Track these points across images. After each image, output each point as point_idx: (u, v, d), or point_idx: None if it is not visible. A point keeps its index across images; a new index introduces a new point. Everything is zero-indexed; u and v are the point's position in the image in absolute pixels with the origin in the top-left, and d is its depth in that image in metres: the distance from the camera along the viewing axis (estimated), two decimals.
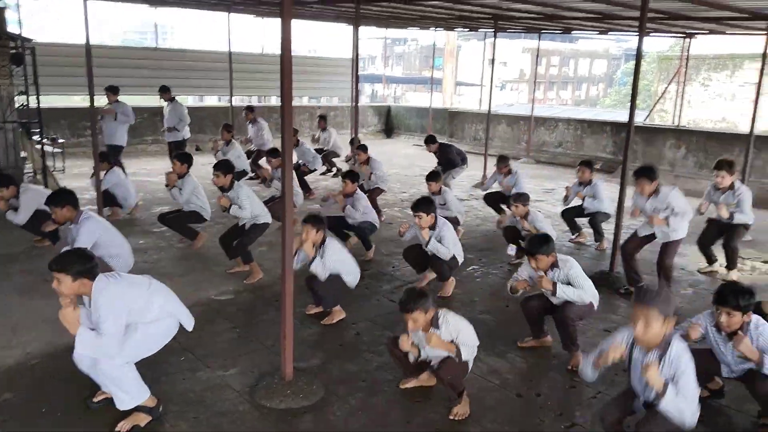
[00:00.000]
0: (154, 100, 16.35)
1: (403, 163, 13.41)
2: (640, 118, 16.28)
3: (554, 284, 4.11)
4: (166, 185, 6.75)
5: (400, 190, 10.40)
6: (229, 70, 12.36)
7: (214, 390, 3.82)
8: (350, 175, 6.85)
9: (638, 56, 5.99)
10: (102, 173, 7.41)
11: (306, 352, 4.30)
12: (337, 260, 4.90)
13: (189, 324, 3.66)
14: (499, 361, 4.34)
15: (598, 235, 7.24)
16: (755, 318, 3.38)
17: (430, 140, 9.70)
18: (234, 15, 13.14)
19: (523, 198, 6.37)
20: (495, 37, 11.31)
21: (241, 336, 4.62)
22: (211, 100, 19.28)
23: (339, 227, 6.75)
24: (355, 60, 9.23)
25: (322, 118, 11.95)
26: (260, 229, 6.03)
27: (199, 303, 5.20)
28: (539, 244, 4.10)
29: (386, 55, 26.28)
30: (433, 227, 5.42)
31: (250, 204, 5.90)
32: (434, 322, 3.57)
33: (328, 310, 5.00)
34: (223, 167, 5.98)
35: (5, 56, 7.91)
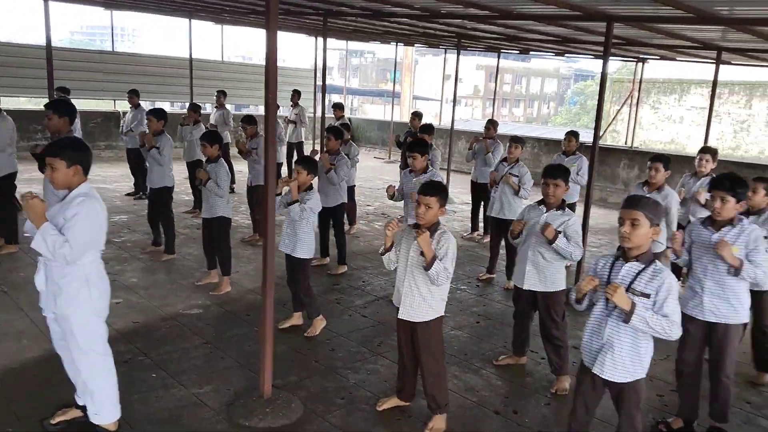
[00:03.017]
0: (107, 105, 15.92)
1: (365, 176, 13.43)
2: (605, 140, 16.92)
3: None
4: (142, 145, 6.65)
5: (364, 203, 10.41)
6: (190, 77, 12.15)
7: (189, 408, 3.72)
8: (333, 131, 6.44)
9: (603, 79, 6.23)
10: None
11: (282, 369, 4.23)
12: (312, 209, 4.80)
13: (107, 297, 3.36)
14: (474, 377, 4.39)
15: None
16: (746, 220, 3.59)
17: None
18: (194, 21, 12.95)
19: (520, 140, 6.75)
20: (458, 55, 11.52)
21: (214, 352, 4.52)
22: (165, 106, 18.85)
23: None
24: (324, 70, 9.23)
25: (296, 93, 12.11)
26: (224, 223, 5.77)
27: (167, 317, 5.07)
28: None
29: (345, 66, 26.29)
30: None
31: (225, 185, 5.66)
32: (432, 228, 3.43)
33: (309, 321, 4.98)
34: (210, 137, 5.72)
35: None
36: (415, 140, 5.88)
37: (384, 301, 5.78)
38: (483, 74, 61.81)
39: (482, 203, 8.33)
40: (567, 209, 4.23)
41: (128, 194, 9.80)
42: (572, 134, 7.62)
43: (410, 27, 10.33)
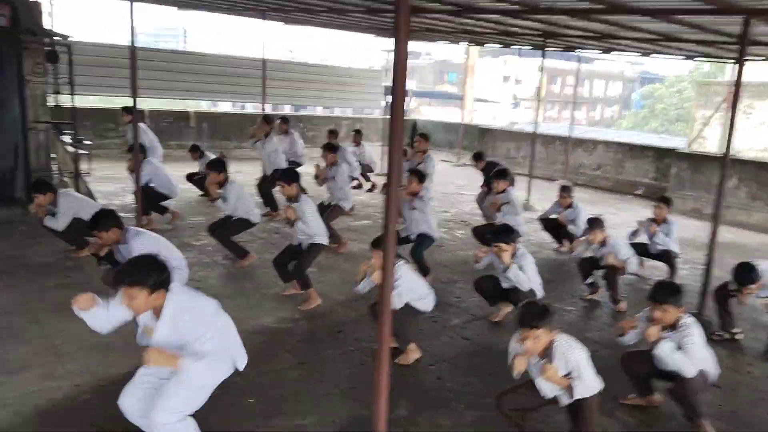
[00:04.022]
0: (180, 104, 16.05)
1: (437, 180, 12.94)
2: (682, 145, 15.86)
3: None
4: (209, 198, 6.37)
5: (441, 209, 9.93)
6: (263, 77, 11.96)
7: None
8: (416, 174, 6.33)
9: (737, 86, 5.60)
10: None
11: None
12: (409, 287, 4.38)
13: (242, 363, 3.13)
14: (606, 419, 3.84)
15: (673, 270, 6.72)
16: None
17: (478, 157, 9.27)
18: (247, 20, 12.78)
19: (598, 223, 5.90)
20: (543, 55, 10.90)
21: (311, 375, 4.14)
22: (226, 106, 18.89)
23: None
24: (403, 72, 8.76)
25: (358, 133, 11.62)
26: (318, 250, 5.56)
27: (256, 331, 4.73)
28: (670, 291, 3.60)
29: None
30: (513, 256, 4.95)
31: (315, 221, 5.42)
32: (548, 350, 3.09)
33: (402, 349, 4.52)
34: (288, 176, 5.46)
35: (40, 54, 7.51)
36: (498, 229, 5.25)
37: (483, 321, 5.29)
38: (545, 76, 60.32)
39: None
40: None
41: (203, 195, 9.64)
42: (664, 201, 6.84)
43: (491, 25, 9.76)
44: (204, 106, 24.01)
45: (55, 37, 7.36)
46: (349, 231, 7.91)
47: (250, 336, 4.67)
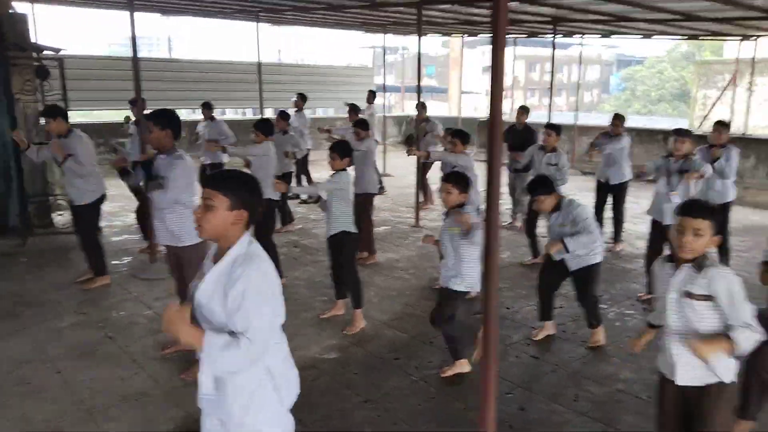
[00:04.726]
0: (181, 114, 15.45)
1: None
2: (686, 125, 15.57)
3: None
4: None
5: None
6: (259, 82, 11.43)
7: None
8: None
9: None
10: None
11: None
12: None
13: (291, 398, 2.38)
14: None
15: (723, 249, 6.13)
16: None
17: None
18: (230, 23, 12.25)
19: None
20: (554, 42, 10.50)
21: (381, 415, 3.67)
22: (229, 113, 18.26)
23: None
24: (419, 69, 8.33)
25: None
26: (355, 242, 5.06)
27: (306, 365, 4.24)
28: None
29: (378, 64, 25.32)
30: (558, 208, 4.46)
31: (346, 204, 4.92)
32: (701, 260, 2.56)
33: (459, 356, 4.17)
34: (341, 149, 4.90)
35: (29, 70, 6.91)
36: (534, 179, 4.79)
37: (550, 336, 4.84)
38: (523, 64, 60.20)
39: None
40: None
41: None
42: (721, 125, 6.53)
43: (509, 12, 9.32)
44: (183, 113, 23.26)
45: (45, 52, 6.76)
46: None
47: (300, 371, 4.20)
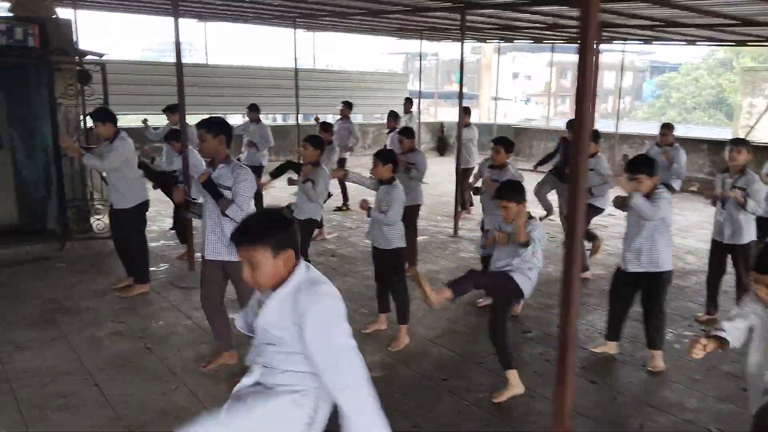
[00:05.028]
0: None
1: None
2: (726, 136, 15.05)
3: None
4: (300, 181, 5.62)
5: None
6: (295, 88, 11.35)
7: None
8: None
9: None
10: None
11: None
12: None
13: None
14: None
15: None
16: None
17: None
18: (265, 28, 12.21)
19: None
20: (597, 49, 10.16)
21: None
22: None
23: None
24: (461, 75, 8.14)
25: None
26: (404, 255, 4.88)
27: None
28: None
29: (408, 69, 25.10)
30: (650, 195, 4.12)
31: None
32: None
33: (509, 366, 3.97)
34: (386, 156, 4.67)
35: (72, 74, 6.90)
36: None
37: (606, 358, 4.58)
38: (554, 71, 59.58)
39: None
40: None
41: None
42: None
43: (544, 16, 9.05)
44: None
45: (89, 56, 6.74)
46: None
47: None
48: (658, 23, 8.78)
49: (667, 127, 7.22)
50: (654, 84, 62.01)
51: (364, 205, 4.72)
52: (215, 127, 3.87)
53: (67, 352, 4.50)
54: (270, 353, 2.12)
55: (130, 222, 5.58)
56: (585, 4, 2.18)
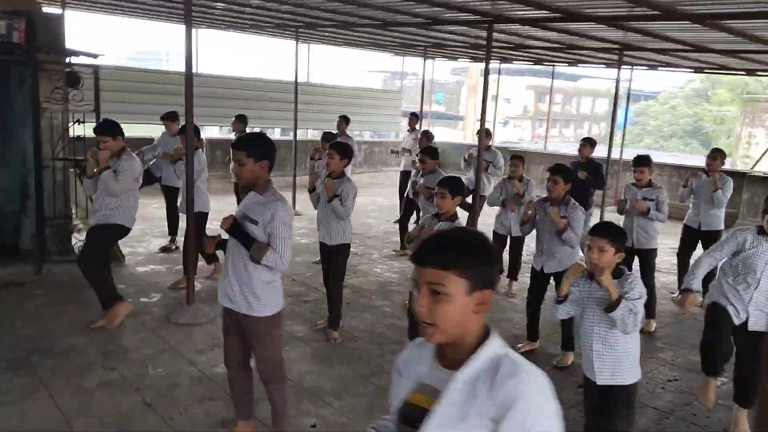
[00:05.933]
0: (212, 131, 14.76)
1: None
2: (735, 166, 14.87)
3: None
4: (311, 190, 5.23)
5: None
6: (295, 101, 10.69)
7: None
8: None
9: None
10: None
11: None
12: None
13: None
14: None
15: None
16: None
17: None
18: (259, 38, 11.58)
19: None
20: (630, 71, 9.82)
21: None
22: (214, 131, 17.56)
23: None
24: (484, 94, 7.59)
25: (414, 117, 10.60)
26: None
27: None
28: None
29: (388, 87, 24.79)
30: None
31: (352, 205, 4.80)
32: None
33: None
34: (339, 148, 4.80)
35: (60, 76, 6.13)
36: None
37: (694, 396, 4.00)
38: (533, 94, 60.03)
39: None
40: None
41: None
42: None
43: (570, 36, 8.54)
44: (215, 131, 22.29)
45: (81, 57, 5.98)
46: None
47: None
48: (616, 46, 8.40)
49: (717, 152, 6.49)
50: (632, 111, 63.20)
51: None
52: (257, 150, 3.01)
53: (50, 408, 3.71)
54: None
55: (105, 237, 4.98)
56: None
